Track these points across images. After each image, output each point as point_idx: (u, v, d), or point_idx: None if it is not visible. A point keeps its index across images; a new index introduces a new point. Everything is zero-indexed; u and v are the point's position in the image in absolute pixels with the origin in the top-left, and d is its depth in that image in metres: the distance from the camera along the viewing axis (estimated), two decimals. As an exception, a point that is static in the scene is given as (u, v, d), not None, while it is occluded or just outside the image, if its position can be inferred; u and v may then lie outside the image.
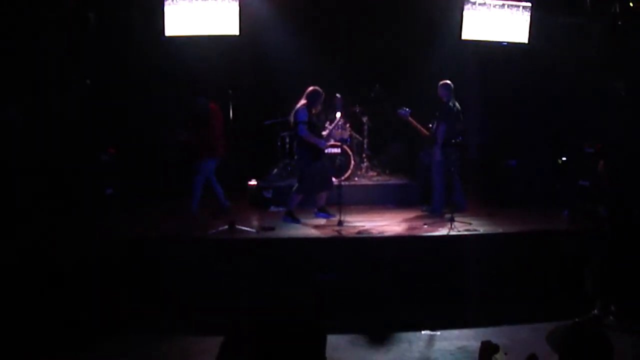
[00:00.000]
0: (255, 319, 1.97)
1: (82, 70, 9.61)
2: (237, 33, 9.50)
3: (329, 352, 2.50)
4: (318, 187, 8.74)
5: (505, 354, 2.90)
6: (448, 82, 8.95)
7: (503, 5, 9.90)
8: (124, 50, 9.95)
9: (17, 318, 6.19)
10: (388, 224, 8.55)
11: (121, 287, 6.97)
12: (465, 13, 9.79)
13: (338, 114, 9.80)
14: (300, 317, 1.98)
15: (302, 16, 10.67)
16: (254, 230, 8.09)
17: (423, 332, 6.39)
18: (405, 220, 8.81)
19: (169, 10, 9.41)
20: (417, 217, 8.92)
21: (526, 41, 9.94)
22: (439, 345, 6.11)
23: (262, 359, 1.90)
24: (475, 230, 8.10)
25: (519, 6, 9.91)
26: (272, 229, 8.25)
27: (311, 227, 8.40)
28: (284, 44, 10.51)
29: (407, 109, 8.97)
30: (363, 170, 10.62)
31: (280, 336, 1.92)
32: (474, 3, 9.81)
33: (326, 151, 9.15)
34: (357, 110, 10.67)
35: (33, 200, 8.06)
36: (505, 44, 9.99)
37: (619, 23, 9.75)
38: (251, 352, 1.92)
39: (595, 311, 6.51)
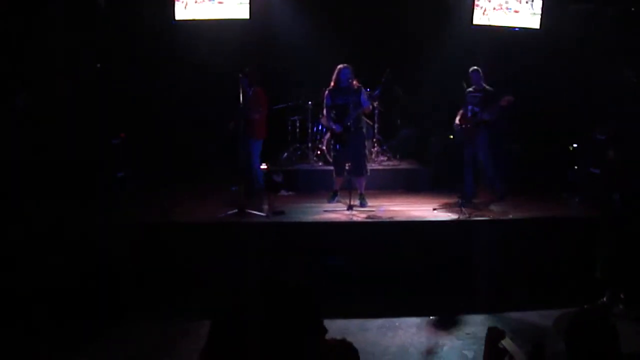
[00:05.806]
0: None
1: (92, 54, 9.62)
2: (248, 17, 9.49)
3: (338, 336, 2.52)
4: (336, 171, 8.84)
5: (512, 340, 2.92)
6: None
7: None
8: (134, 34, 9.95)
9: (24, 303, 6.22)
10: (398, 209, 8.55)
11: (131, 272, 6.99)
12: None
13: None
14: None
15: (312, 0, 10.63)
16: (263, 214, 8.10)
17: (431, 317, 6.42)
18: (415, 205, 8.82)
19: (179, -6, 9.42)
20: (427, 202, 8.89)
21: (538, 27, 9.86)
22: (447, 330, 6.13)
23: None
24: (485, 216, 8.08)
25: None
26: (282, 213, 8.25)
27: (321, 212, 8.41)
28: (294, 28, 10.46)
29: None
30: (373, 155, 10.59)
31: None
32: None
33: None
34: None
35: (45, 184, 8.10)
36: (517, 29, 9.92)
37: (632, 9, 9.66)
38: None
39: (605, 299, 6.51)
